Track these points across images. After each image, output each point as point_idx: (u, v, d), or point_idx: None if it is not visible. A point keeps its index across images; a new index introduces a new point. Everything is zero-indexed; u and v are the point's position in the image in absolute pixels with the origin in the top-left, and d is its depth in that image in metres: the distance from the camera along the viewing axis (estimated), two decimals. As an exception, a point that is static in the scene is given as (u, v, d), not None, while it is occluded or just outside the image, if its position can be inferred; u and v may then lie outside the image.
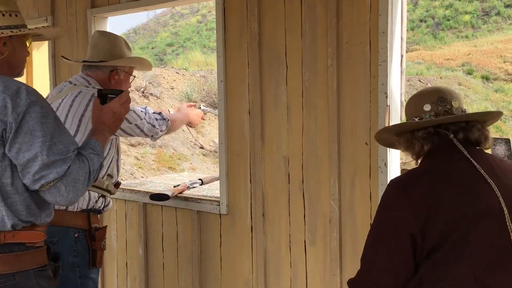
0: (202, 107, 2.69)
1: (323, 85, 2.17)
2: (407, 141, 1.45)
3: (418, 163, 1.46)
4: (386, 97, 2.01)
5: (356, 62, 2.08)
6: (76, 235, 2.04)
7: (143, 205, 2.86)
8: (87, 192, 2.06)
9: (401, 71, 2.12)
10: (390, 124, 2.03)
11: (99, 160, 1.57)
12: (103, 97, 1.71)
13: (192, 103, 2.70)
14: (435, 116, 1.40)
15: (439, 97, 1.42)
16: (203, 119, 2.63)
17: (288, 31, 2.26)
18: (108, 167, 2.13)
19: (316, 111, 2.20)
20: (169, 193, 2.62)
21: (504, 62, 21.41)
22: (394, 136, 1.51)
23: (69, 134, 1.56)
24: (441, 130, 1.39)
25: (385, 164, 2.02)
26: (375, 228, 1.39)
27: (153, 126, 2.24)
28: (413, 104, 1.47)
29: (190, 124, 2.59)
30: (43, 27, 1.73)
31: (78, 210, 2.05)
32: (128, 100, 1.74)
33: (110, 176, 2.13)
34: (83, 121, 2.05)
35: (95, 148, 1.58)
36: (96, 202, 2.11)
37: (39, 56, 4.11)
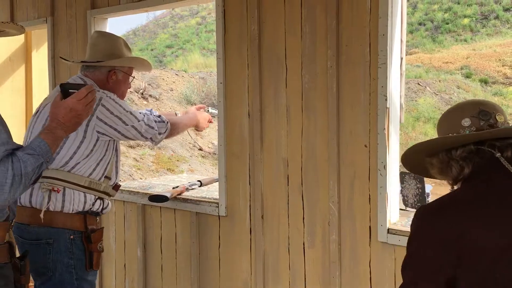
0: (210, 110, 2.61)
1: (322, 88, 2.17)
2: (441, 162, 1.24)
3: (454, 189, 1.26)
4: (386, 99, 2.01)
5: (356, 64, 2.08)
6: (71, 236, 2.01)
7: (142, 206, 2.85)
8: (83, 194, 2.04)
9: (401, 74, 2.12)
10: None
11: (37, 161, 1.47)
12: (65, 92, 1.58)
13: (201, 105, 2.63)
14: (476, 132, 1.20)
15: (480, 110, 1.22)
16: (210, 122, 2.57)
17: (288, 33, 2.26)
18: (106, 169, 2.10)
19: (316, 113, 2.20)
20: (168, 195, 2.62)
21: (502, 65, 21.46)
22: (426, 158, 1.27)
23: (2, 133, 1.46)
24: (485, 148, 1.18)
25: (385, 167, 2.02)
26: (411, 261, 1.21)
27: (151, 127, 2.17)
28: (449, 119, 1.27)
29: (197, 128, 2.53)
30: (2, 22, 1.64)
31: (73, 212, 2.03)
32: (89, 96, 1.58)
33: (107, 178, 2.12)
34: (90, 125, 2.02)
35: (37, 148, 1.48)
36: (93, 205, 2.08)
37: (39, 57, 4.11)
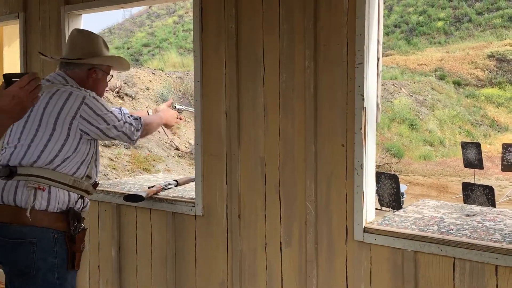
0: (177, 106, 2.63)
1: (300, 87, 2.17)
2: None
3: None
4: (363, 99, 2.02)
5: (333, 64, 2.09)
6: (55, 236, 2.00)
7: (117, 206, 2.81)
8: (67, 193, 2.03)
9: (377, 74, 2.13)
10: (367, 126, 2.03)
11: None
12: (8, 81, 1.57)
13: (168, 103, 2.65)
14: None
15: None
16: (180, 119, 2.58)
17: (265, 32, 2.26)
18: (87, 168, 2.10)
19: (293, 113, 2.20)
20: (144, 194, 2.58)
21: (475, 68, 21.95)
22: None
23: None
24: None
25: (361, 166, 2.03)
26: None
27: (130, 124, 2.20)
28: None
29: (165, 126, 2.55)
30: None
31: (58, 211, 2.01)
32: (32, 83, 1.56)
33: (88, 177, 2.12)
34: (73, 123, 2.03)
35: None
36: (75, 203, 2.08)
37: (11, 53, 4.02)
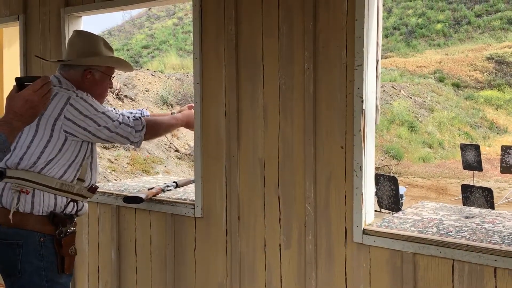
0: None
1: (299, 89, 2.18)
2: None
3: None
4: (362, 101, 2.02)
5: (333, 66, 2.09)
6: (41, 239, 1.97)
7: (116, 208, 2.81)
8: (53, 196, 2.00)
9: (377, 76, 2.13)
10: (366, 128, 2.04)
11: None
12: (21, 85, 1.60)
13: (190, 105, 2.58)
14: None
15: None
16: None
17: (265, 34, 2.26)
18: (78, 171, 2.06)
19: (293, 114, 2.20)
20: (143, 196, 2.58)
21: (474, 70, 21.99)
22: None
23: None
24: None
25: (360, 168, 2.03)
26: None
27: (127, 125, 2.12)
28: None
29: (187, 127, 2.50)
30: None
31: (43, 214, 1.98)
32: (44, 88, 1.59)
33: (81, 180, 2.07)
34: (56, 124, 1.98)
35: None
36: (65, 207, 2.04)
37: (11, 54, 4.02)
